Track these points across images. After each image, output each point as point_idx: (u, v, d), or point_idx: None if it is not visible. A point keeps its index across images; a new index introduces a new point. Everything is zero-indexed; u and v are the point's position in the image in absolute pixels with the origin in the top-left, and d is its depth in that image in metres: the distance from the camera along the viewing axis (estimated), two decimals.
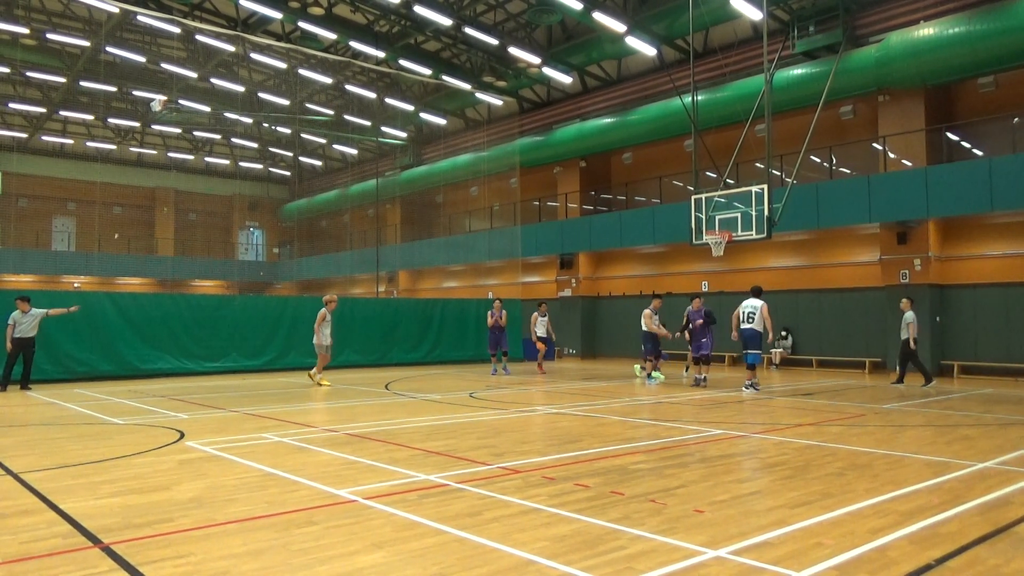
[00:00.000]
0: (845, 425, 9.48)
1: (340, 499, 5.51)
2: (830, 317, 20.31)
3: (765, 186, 14.87)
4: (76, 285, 33.99)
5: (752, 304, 13.85)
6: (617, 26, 20.74)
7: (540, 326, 19.34)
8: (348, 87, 30.82)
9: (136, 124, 36.69)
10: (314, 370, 15.61)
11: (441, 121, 32.13)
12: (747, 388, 13.74)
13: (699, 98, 19.20)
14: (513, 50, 23.93)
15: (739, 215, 15.36)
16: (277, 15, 22.53)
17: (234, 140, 40.55)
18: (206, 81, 31.20)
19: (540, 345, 19.41)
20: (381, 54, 25.27)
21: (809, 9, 19.66)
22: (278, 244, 47.03)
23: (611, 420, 9.99)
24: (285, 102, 31.48)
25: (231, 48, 26.41)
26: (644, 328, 15.91)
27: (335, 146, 38.61)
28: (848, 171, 21.19)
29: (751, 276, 22.23)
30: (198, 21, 24.32)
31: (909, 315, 14.79)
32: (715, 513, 5.12)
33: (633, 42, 21.22)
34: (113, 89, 31.57)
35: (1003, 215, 17.21)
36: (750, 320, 13.75)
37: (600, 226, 25.05)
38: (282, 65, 29.83)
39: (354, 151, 39.33)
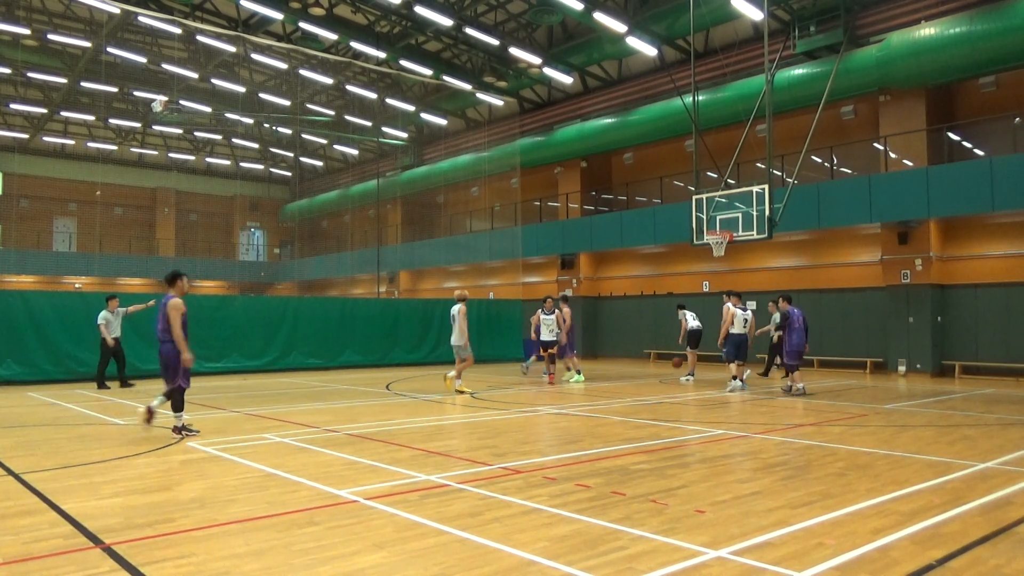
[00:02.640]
0: (846, 425, 9.48)
1: (341, 499, 5.51)
2: (831, 317, 20.29)
3: (766, 186, 14.87)
4: (77, 286, 33.97)
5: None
6: (618, 26, 20.73)
7: (544, 327, 16.08)
8: (349, 87, 30.81)
9: (137, 125, 36.68)
10: (453, 374, 13.75)
11: (442, 121, 32.12)
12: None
13: (700, 98, 19.18)
14: (514, 50, 23.92)
15: (740, 215, 15.37)
16: (278, 16, 22.52)
17: (235, 141, 40.57)
18: (207, 82, 31.20)
19: (543, 351, 16.30)
20: (382, 54, 25.27)
21: (810, 9, 19.63)
22: (279, 244, 47.05)
23: (612, 420, 9.99)
24: (286, 102, 31.47)
25: (232, 49, 26.40)
26: (742, 330, 14.32)
27: (336, 146, 38.61)
28: (849, 171, 21.17)
29: (752, 276, 22.24)
30: (199, 22, 24.31)
31: (777, 316, 15.88)
32: (716, 513, 5.12)
33: (634, 42, 21.20)
34: (114, 90, 31.56)
35: (1004, 215, 17.20)
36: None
37: (601, 226, 25.04)
38: (283, 66, 29.82)
39: (355, 151, 39.32)
